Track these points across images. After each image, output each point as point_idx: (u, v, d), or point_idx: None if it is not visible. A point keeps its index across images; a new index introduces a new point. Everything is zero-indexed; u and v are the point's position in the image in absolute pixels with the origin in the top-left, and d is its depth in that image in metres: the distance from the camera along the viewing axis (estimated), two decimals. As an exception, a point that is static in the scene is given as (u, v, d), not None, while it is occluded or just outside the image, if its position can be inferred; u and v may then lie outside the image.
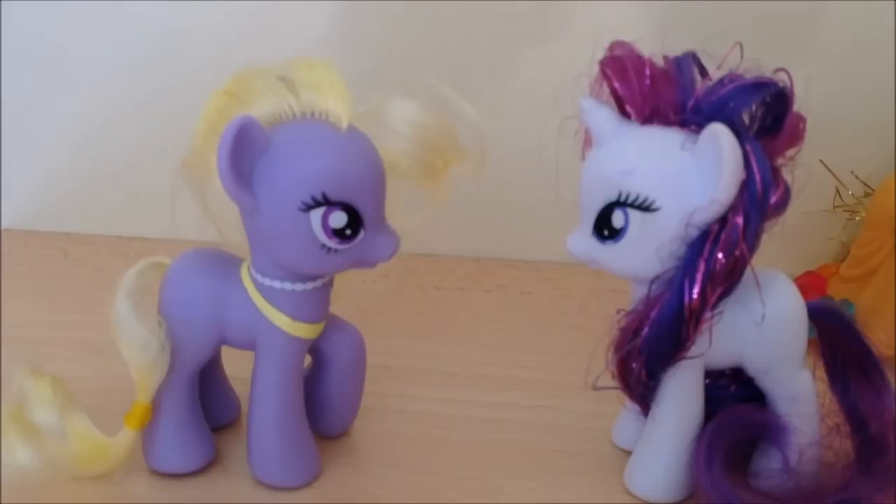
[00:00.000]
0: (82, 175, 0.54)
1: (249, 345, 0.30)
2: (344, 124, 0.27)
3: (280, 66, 0.28)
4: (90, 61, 0.52)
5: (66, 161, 0.54)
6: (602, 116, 0.28)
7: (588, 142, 0.30)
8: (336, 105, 0.27)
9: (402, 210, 0.29)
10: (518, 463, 0.33)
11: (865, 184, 0.45)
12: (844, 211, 0.45)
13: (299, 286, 0.29)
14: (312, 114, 0.27)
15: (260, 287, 0.29)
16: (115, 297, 0.28)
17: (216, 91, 0.28)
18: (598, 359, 0.29)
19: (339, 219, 0.27)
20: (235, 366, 0.34)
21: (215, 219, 0.29)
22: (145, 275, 0.30)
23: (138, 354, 0.28)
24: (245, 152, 0.26)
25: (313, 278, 0.29)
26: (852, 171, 0.45)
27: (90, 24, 0.51)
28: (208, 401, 0.33)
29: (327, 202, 0.26)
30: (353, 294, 0.31)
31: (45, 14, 0.51)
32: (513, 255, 0.53)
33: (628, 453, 0.32)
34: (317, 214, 0.26)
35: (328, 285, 0.30)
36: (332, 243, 0.27)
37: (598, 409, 0.35)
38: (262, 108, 0.27)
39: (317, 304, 0.30)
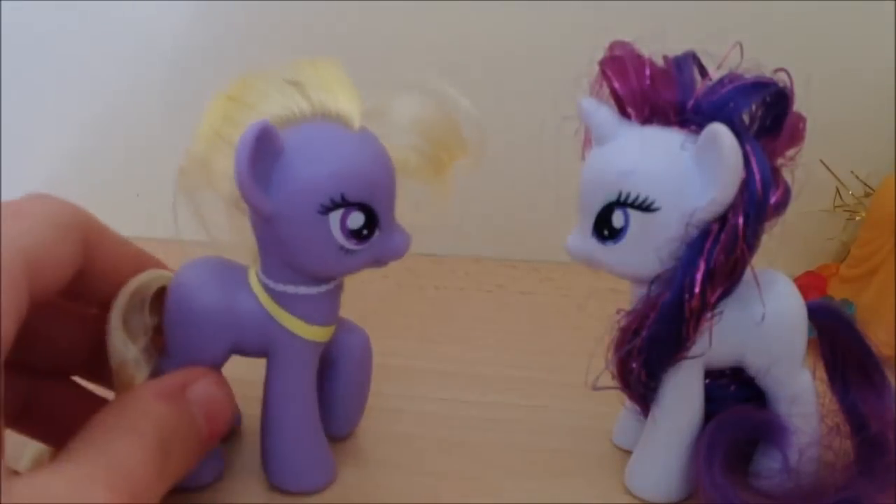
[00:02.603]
0: (81, 175, 0.54)
1: (262, 352, 0.29)
2: (356, 124, 0.27)
3: (284, 67, 0.28)
4: (90, 62, 0.52)
5: (65, 161, 0.54)
6: (602, 116, 0.28)
7: (588, 142, 0.29)
8: (347, 104, 0.27)
9: (407, 208, 0.29)
10: (517, 463, 0.33)
11: (865, 183, 0.45)
12: (844, 211, 0.46)
13: (313, 289, 0.28)
14: (323, 114, 0.27)
15: (271, 292, 0.28)
16: (110, 316, 0.28)
17: (219, 95, 0.27)
18: (598, 359, 0.29)
19: (356, 219, 0.26)
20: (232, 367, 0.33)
21: (208, 225, 0.29)
22: (143, 289, 0.29)
23: (118, 367, 0.28)
24: (264, 158, 0.25)
25: (327, 280, 0.29)
26: (852, 171, 0.45)
27: (89, 25, 0.51)
28: None
29: (346, 203, 0.26)
30: (352, 294, 0.31)
31: (43, 14, 0.51)
32: (513, 255, 0.53)
33: (628, 453, 0.32)
34: (335, 216, 0.26)
35: (340, 287, 0.30)
36: (350, 244, 0.27)
37: (599, 409, 0.35)
38: (270, 111, 0.27)
39: (331, 307, 0.29)
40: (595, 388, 0.29)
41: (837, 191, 0.45)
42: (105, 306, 0.28)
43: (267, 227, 0.27)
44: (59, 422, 0.29)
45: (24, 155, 0.54)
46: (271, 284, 0.28)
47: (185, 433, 0.25)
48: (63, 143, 0.54)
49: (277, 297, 0.28)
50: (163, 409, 0.24)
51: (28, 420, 0.29)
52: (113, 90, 0.52)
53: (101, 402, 0.29)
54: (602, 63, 0.28)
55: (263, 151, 0.25)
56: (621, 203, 0.27)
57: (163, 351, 0.29)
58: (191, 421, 0.25)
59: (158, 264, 0.30)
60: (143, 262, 0.29)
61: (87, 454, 0.22)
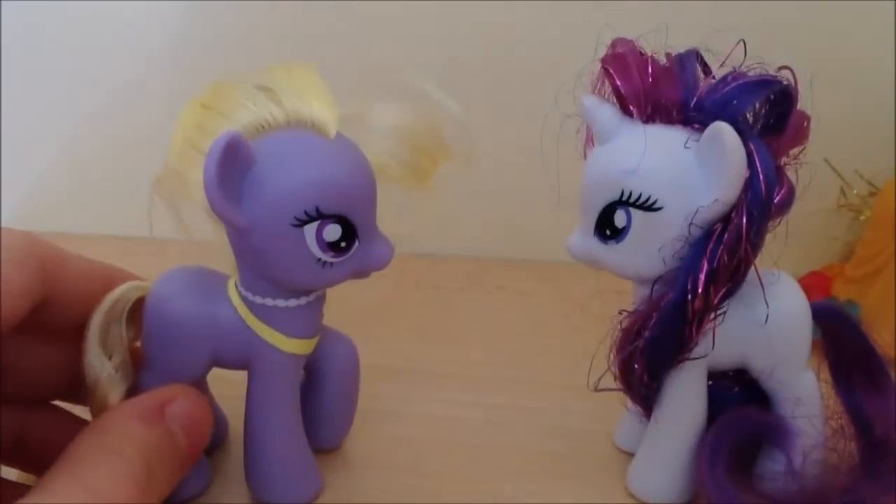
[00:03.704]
0: (80, 175, 0.54)
1: (242, 365, 0.29)
2: (332, 132, 0.26)
3: (258, 73, 0.27)
4: (87, 60, 0.52)
5: (63, 161, 0.54)
6: (604, 115, 0.28)
7: (590, 140, 0.29)
8: (322, 112, 0.26)
9: (393, 215, 0.29)
10: (519, 465, 0.33)
11: (870, 183, 0.45)
12: (849, 210, 0.45)
13: (293, 302, 0.28)
14: (298, 122, 0.26)
15: (251, 305, 0.28)
16: (87, 332, 0.27)
17: (191, 104, 0.26)
18: (599, 360, 0.29)
19: (333, 232, 0.26)
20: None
21: (190, 233, 0.28)
22: (121, 302, 0.28)
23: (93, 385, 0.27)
24: (233, 170, 0.24)
25: (307, 293, 0.28)
26: (857, 170, 0.45)
27: (87, 22, 0.51)
28: None
29: (321, 216, 0.25)
30: (351, 295, 0.30)
31: (40, 15, 0.51)
32: (513, 255, 0.53)
33: (631, 455, 0.32)
34: (310, 229, 0.25)
35: (321, 298, 0.29)
36: (328, 257, 0.26)
37: (600, 411, 0.35)
38: (244, 119, 0.26)
39: (312, 319, 0.29)
40: (597, 390, 0.29)
41: (842, 190, 0.45)
42: (79, 331, 0.27)
43: (242, 240, 0.26)
44: (53, 453, 0.28)
45: (21, 155, 0.54)
46: (250, 297, 0.28)
47: (167, 453, 0.24)
48: (60, 143, 0.54)
49: (256, 309, 0.28)
50: (144, 431, 0.24)
51: (21, 454, 0.28)
52: (109, 89, 0.52)
53: None
54: (604, 61, 0.28)
55: (232, 163, 0.24)
56: (623, 202, 0.27)
57: (141, 365, 0.29)
58: (172, 440, 0.25)
59: (131, 280, 0.29)
60: (114, 281, 0.28)
61: (65, 484, 0.21)
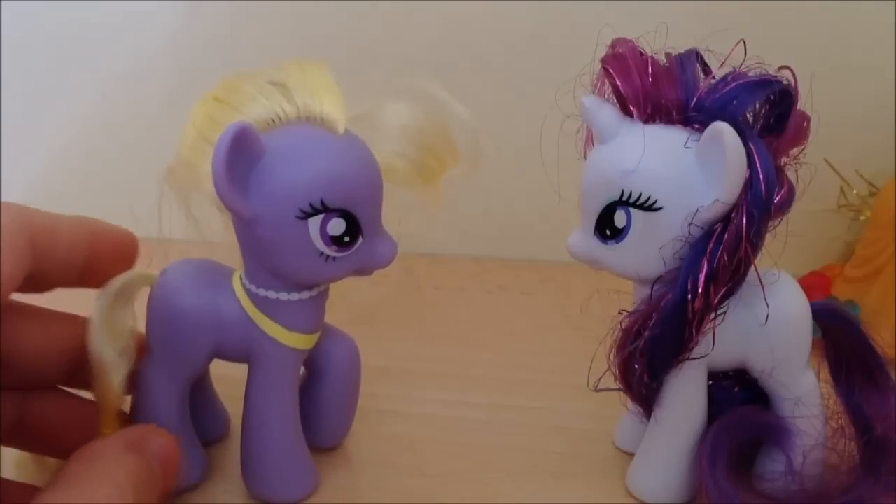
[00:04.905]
0: (80, 174, 0.54)
1: (243, 357, 0.29)
2: (340, 128, 0.26)
3: (270, 69, 0.27)
4: (89, 59, 0.52)
5: (63, 160, 0.54)
6: (604, 115, 0.28)
7: (590, 140, 0.29)
8: (331, 108, 0.26)
9: (399, 214, 0.29)
10: (519, 465, 0.33)
11: (870, 183, 0.45)
12: (849, 210, 0.45)
13: (295, 296, 0.28)
14: (308, 118, 0.26)
15: (254, 298, 0.28)
16: (92, 315, 0.27)
17: (204, 97, 0.27)
18: (599, 360, 0.29)
19: (337, 226, 0.26)
20: (223, 365, 0.33)
21: (200, 226, 0.28)
22: (128, 287, 0.28)
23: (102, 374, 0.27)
24: (241, 160, 0.25)
25: (310, 287, 0.28)
26: (857, 170, 0.45)
27: (89, 21, 0.51)
28: (197, 415, 0.31)
29: (325, 209, 0.26)
30: (351, 295, 0.31)
31: (41, 15, 0.51)
32: (513, 255, 0.53)
33: (630, 455, 0.32)
34: (315, 222, 0.26)
35: (324, 294, 0.29)
36: (331, 251, 0.26)
37: (600, 411, 0.35)
38: (255, 113, 0.26)
39: (313, 314, 0.29)
40: (597, 390, 0.29)
41: (842, 190, 0.45)
42: (77, 318, 0.27)
43: (247, 231, 0.26)
44: (52, 432, 0.29)
45: (21, 154, 0.54)
46: (254, 289, 0.28)
47: (150, 483, 0.25)
48: (61, 142, 0.54)
49: (259, 302, 0.28)
50: (133, 460, 0.25)
51: (21, 435, 0.28)
52: (110, 89, 0.52)
53: (92, 407, 0.29)
54: (604, 61, 0.28)
55: (241, 153, 0.24)
56: (623, 202, 0.27)
57: (143, 352, 0.29)
58: (153, 472, 0.26)
59: (115, 236, 0.29)
60: (98, 240, 0.28)
61: None
